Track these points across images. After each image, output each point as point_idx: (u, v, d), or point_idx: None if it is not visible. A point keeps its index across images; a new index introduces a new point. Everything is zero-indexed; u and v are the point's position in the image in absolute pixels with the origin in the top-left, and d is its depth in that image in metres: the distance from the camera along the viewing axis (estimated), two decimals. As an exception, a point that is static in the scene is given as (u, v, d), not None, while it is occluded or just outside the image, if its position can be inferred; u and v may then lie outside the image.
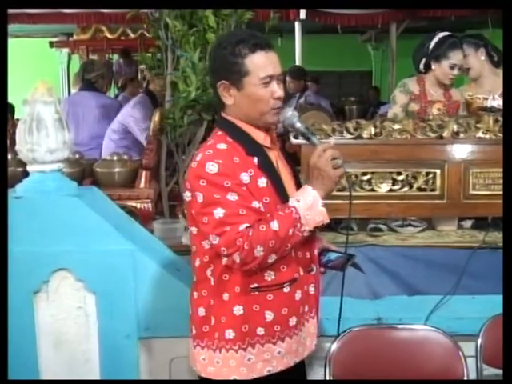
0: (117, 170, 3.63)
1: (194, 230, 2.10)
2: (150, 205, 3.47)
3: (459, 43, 3.74)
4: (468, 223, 3.46)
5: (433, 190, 3.26)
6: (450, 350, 2.34)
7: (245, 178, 1.97)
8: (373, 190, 3.26)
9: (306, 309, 2.18)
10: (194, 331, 2.18)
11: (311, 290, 2.19)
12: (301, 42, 6.63)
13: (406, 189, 3.27)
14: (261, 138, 2.08)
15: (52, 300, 2.79)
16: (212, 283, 2.08)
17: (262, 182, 2.01)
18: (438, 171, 3.24)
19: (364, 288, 3.10)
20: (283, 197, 2.04)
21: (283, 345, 2.10)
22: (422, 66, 3.81)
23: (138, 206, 3.45)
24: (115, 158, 3.73)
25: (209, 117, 3.54)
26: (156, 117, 3.55)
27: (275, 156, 2.14)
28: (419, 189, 3.26)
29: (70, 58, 9.42)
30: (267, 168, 2.05)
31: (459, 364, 2.33)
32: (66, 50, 9.37)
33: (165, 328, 2.81)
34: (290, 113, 2.09)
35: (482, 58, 3.81)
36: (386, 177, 3.26)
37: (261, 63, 1.99)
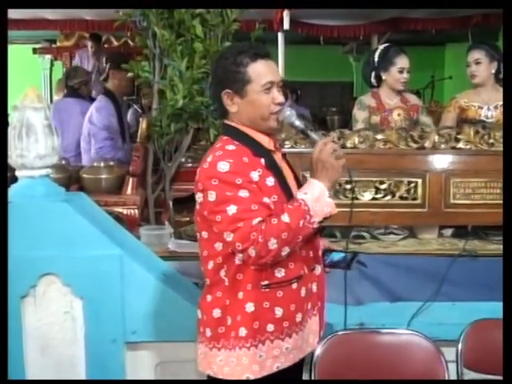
0: (103, 176, 3.66)
1: (204, 234, 2.16)
2: (136, 211, 3.49)
3: (402, 49, 3.86)
4: (448, 232, 3.52)
5: (414, 198, 3.32)
6: (432, 354, 2.40)
7: (254, 176, 2.05)
8: (356, 198, 3.31)
9: (309, 306, 2.25)
10: (208, 334, 2.20)
11: (314, 288, 2.26)
12: (283, 53, 6.69)
13: (388, 197, 3.33)
14: (265, 141, 2.18)
15: (39, 304, 2.80)
16: (226, 283, 2.13)
17: (270, 181, 2.10)
18: (420, 181, 3.30)
19: (347, 294, 3.14)
20: (289, 196, 2.13)
21: (290, 341, 2.17)
22: (373, 80, 3.92)
23: (125, 212, 3.47)
24: (102, 164, 3.75)
25: (195, 125, 3.58)
26: (143, 124, 3.58)
27: (279, 159, 2.24)
28: (401, 198, 3.32)
29: (52, 65, 9.41)
30: (274, 168, 2.15)
31: (440, 367, 2.38)
32: (48, 57, 9.36)
33: (151, 333, 2.83)
34: (288, 112, 2.15)
35: (492, 71, 3.85)
36: (369, 185, 3.32)
37: (262, 71, 2.10)
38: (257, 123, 2.15)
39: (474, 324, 2.58)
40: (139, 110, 5.66)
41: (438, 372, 2.40)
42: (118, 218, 3.41)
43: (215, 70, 2.20)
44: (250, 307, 2.11)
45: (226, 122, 2.20)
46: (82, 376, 2.85)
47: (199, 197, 2.10)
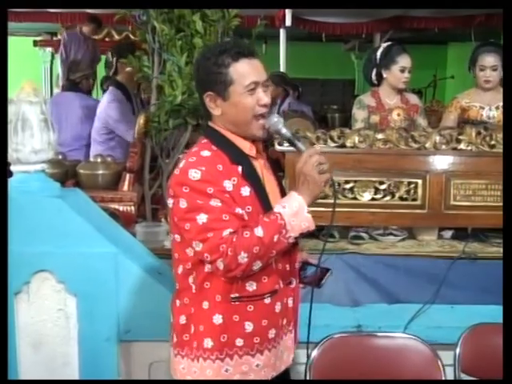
0: (100, 172, 3.62)
1: (177, 237, 2.07)
2: (132, 208, 3.46)
3: (404, 48, 3.83)
4: (448, 233, 3.49)
5: (414, 199, 3.29)
6: (429, 358, 2.37)
7: (228, 185, 1.96)
8: (355, 198, 3.28)
9: (285, 322, 2.15)
10: (174, 339, 2.15)
11: (290, 303, 2.17)
12: (285, 49, 6.65)
13: (388, 198, 3.30)
14: (246, 147, 2.08)
15: (33, 301, 2.77)
16: (193, 291, 2.06)
17: (246, 190, 2.00)
18: (420, 181, 3.28)
19: (344, 295, 3.12)
20: (266, 207, 2.03)
21: (262, 357, 2.08)
22: (373, 77, 3.90)
23: (121, 208, 3.44)
24: (99, 159, 3.72)
25: (194, 121, 3.54)
26: (141, 120, 3.54)
27: (261, 166, 2.13)
28: (401, 198, 3.30)
29: (53, 58, 9.36)
30: (251, 177, 2.04)
31: (437, 372, 2.35)
32: (49, 50, 9.32)
33: (145, 331, 2.80)
34: (275, 119, 2.06)
35: (501, 74, 3.79)
36: (368, 185, 3.29)
37: (244, 71, 2.00)
38: (241, 128, 2.05)
39: (472, 328, 2.55)
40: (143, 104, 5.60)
41: (434, 377, 2.37)
42: (114, 214, 3.38)
43: (197, 70, 2.10)
44: (217, 319, 2.03)
45: (210, 123, 2.11)
46: (75, 374, 2.82)
47: (170, 202, 2.02)
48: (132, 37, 7.77)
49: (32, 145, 2.69)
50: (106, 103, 4.62)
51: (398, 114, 3.81)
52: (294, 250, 2.15)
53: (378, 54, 3.85)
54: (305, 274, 2.27)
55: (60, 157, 3.93)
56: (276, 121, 2.06)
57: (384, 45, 3.92)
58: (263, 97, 2.02)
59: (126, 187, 3.50)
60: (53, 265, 2.73)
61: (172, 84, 3.39)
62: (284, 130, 2.08)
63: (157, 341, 2.82)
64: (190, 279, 2.06)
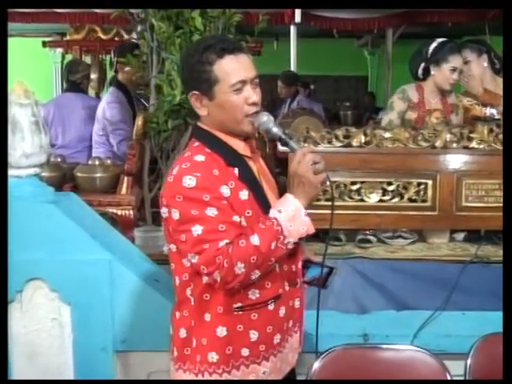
0: (98, 175, 3.53)
1: (173, 247, 1.99)
2: (131, 212, 3.36)
3: (458, 48, 3.72)
4: (460, 236, 3.37)
5: (424, 201, 3.18)
6: (437, 372, 2.24)
7: (225, 191, 1.87)
8: (362, 200, 3.17)
9: (291, 324, 2.10)
10: (175, 353, 2.06)
11: (296, 304, 2.11)
12: (296, 46, 6.56)
13: (396, 199, 3.18)
14: (241, 147, 1.99)
15: (26, 310, 2.71)
16: (192, 303, 1.99)
17: (244, 194, 1.92)
18: (430, 182, 3.16)
19: (351, 302, 3.01)
20: (266, 209, 1.94)
21: (268, 364, 2.03)
22: (420, 72, 3.76)
23: (119, 212, 3.34)
24: (97, 162, 3.63)
25: (194, 122, 3.43)
26: (139, 121, 3.44)
27: (256, 166, 2.05)
28: (410, 200, 3.18)
29: (63, 58, 9.33)
30: (248, 179, 1.96)
31: (446, 386, 2.23)
32: (59, 50, 9.28)
33: (142, 341, 2.73)
34: (265, 117, 1.95)
35: (485, 64, 3.74)
36: (375, 187, 3.17)
37: (230, 68, 1.89)
38: (230, 127, 1.95)
39: (486, 338, 2.41)
40: (146, 104, 5.51)
41: (443, 391, 2.24)
42: (113, 219, 3.29)
43: (182, 68, 2.02)
44: (221, 331, 1.96)
45: (199, 124, 2.02)
46: (71, 384, 2.75)
47: (164, 212, 1.93)
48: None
49: (23, 148, 2.63)
50: (105, 104, 4.54)
51: (437, 118, 3.68)
52: (298, 250, 2.08)
53: (431, 48, 3.71)
54: (308, 273, 2.19)
55: (59, 159, 3.85)
56: (266, 120, 1.96)
57: (438, 40, 3.76)
58: (252, 95, 1.92)
59: (124, 190, 3.41)
60: (46, 272, 2.67)
61: (171, 83, 3.30)
62: (275, 129, 1.97)
63: (155, 351, 2.74)
64: (188, 291, 1.99)
